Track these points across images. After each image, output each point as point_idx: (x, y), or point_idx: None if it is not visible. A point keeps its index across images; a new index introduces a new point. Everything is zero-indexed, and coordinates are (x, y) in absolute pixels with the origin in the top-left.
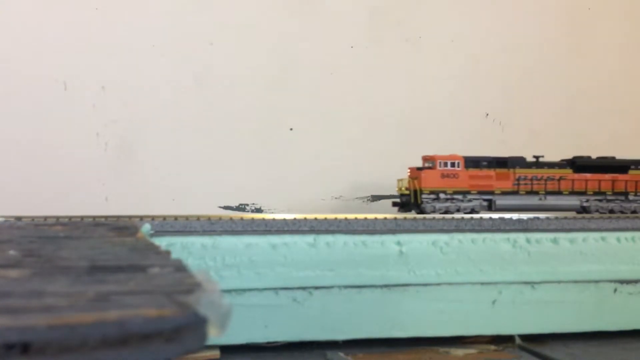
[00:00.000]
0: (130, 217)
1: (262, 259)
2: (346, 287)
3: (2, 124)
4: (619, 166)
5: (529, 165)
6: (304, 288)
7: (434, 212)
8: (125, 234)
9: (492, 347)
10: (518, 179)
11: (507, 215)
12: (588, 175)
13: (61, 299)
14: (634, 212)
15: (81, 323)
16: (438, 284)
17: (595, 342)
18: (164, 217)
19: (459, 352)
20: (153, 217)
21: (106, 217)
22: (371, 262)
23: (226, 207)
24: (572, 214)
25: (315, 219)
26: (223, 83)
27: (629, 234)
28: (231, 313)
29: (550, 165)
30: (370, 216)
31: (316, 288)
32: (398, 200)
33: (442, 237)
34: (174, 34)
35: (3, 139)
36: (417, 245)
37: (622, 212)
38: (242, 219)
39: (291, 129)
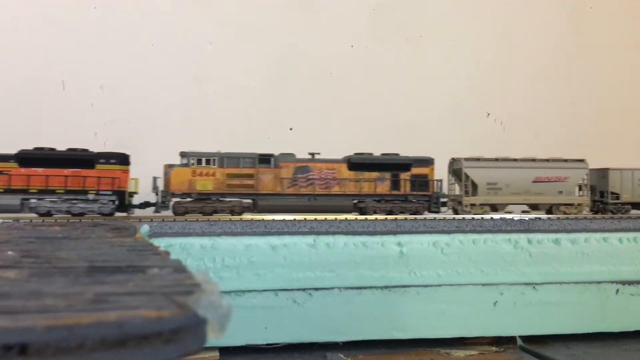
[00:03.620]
0: (129, 217)
1: (262, 260)
2: (346, 288)
3: (2, 124)
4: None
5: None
6: (303, 289)
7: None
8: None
9: (494, 348)
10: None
11: (508, 216)
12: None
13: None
14: (415, 212)
15: (79, 324)
16: (439, 285)
17: (597, 343)
18: (163, 218)
19: (460, 353)
20: (152, 218)
21: (105, 218)
22: (371, 263)
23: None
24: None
25: (315, 219)
26: (223, 83)
27: (631, 235)
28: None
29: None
30: (371, 217)
31: (316, 289)
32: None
33: (443, 238)
34: (173, 33)
35: (2, 139)
36: (417, 246)
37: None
38: (241, 219)
39: (291, 129)
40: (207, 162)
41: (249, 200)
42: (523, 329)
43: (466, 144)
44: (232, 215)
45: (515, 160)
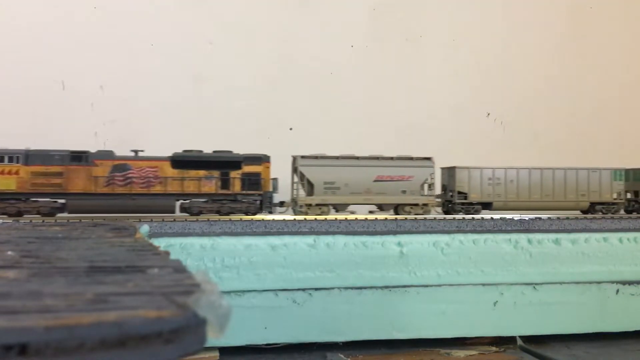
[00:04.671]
0: (128, 217)
1: (262, 260)
2: (346, 288)
3: (2, 124)
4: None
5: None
6: (303, 289)
7: None
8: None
9: (494, 348)
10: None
11: (508, 216)
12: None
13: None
14: (246, 212)
15: (79, 324)
16: (439, 285)
17: (597, 343)
18: (163, 218)
19: (460, 353)
20: (152, 218)
21: (105, 218)
22: (371, 263)
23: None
24: (575, 214)
25: (315, 219)
26: (223, 83)
27: (631, 235)
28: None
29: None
30: (371, 217)
31: (316, 289)
32: None
33: (443, 238)
34: (173, 33)
35: (2, 139)
36: (417, 246)
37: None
38: (241, 219)
39: (291, 129)
40: (10, 159)
41: (64, 201)
42: (523, 329)
43: (466, 144)
44: (42, 216)
45: (356, 158)
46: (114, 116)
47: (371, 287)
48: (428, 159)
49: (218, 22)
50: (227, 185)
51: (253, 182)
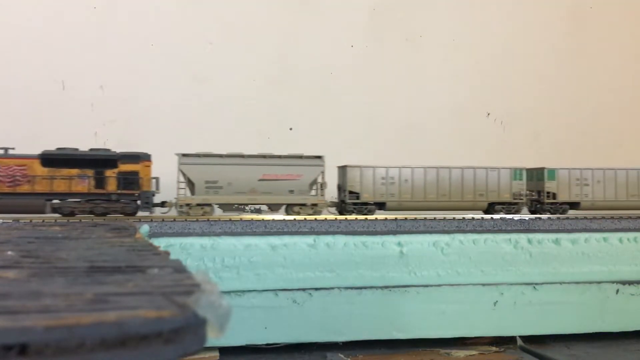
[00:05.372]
0: (128, 217)
1: (262, 260)
2: (346, 288)
3: (1, 124)
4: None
5: None
6: (303, 289)
7: None
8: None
9: (494, 348)
10: None
11: (508, 216)
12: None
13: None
14: (122, 213)
15: (79, 324)
16: (439, 285)
17: (597, 343)
18: (163, 218)
19: (460, 353)
20: (152, 218)
21: (105, 218)
22: (371, 263)
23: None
24: (576, 213)
25: (315, 219)
26: (223, 83)
27: (631, 235)
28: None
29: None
30: (371, 217)
31: (316, 289)
32: None
33: (443, 238)
34: (173, 33)
35: (2, 139)
36: (417, 246)
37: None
38: (241, 219)
39: (291, 129)
40: None
41: None
42: (523, 329)
43: (466, 144)
44: None
45: (241, 156)
46: (114, 116)
47: (371, 287)
48: (319, 157)
49: (218, 22)
50: (102, 185)
51: (130, 181)
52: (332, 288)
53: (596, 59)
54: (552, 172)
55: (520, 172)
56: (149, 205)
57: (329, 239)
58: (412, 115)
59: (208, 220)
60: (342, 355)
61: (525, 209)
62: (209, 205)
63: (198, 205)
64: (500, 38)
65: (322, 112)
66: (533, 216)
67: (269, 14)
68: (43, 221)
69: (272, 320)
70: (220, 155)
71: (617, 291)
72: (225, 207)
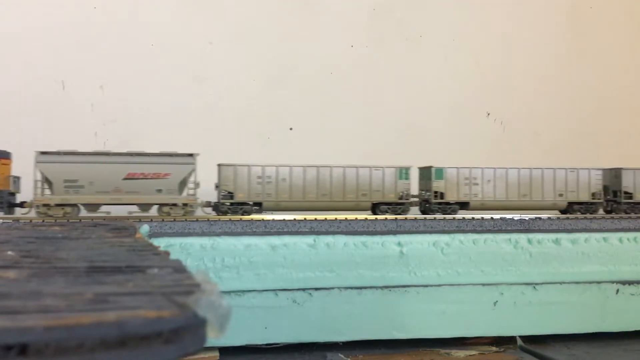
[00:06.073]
0: (128, 217)
1: (262, 260)
2: (346, 288)
3: (1, 124)
4: None
5: None
6: (303, 289)
7: None
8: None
9: (494, 348)
10: None
11: (508, 216)
12: None
13: (59, 300)
14: None
15: (79, 324)
16: (439, 285)
17: (597, 343)
18: (163, 218)
19: (460, 353)
20: (152, 218)
21: (105, 218)
22: (371, 263)
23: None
24: (575, 214)
25: (315, 219)
26: (223, 83)
27: (631, 235)
28: (230, 314)
29: None
30: (371, 217)
31: (316, 289)
32: None
33: (443, 238)
34: (174, 33)
35: (2, 139)
36: (417, 246)
37: None
38: (241, 219)
39: (291, 129)
40: None
41: None
42: (523, 329)
43: (466, 144)
44: None
45: (105, 154)
46: (114, 116)
47: (371, 287)
48: (190, 155)
49: (218, 22)
50: None
51: None
52: (332, 288)
53: (596, 59)
54: (440, 171)
55: (406, 171)
56: (2, 205)
57: (329, 239)
58: (412, 115)
59: (208, 220)
60: (342, 355)
61: (416, 209)
62: (73, 205)
63: (58, 205)
64: (500, 38)
65: (322, 112)
66: (533, 216)
67: (269, 14)
68: (43, 221)
69: (272, 320)
70: (82, 153)
71: (617, 291)
72: (89, 207)
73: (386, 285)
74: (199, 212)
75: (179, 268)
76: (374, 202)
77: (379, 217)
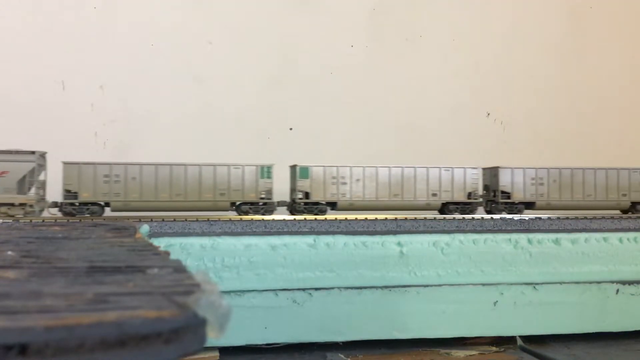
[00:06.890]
0: (128, 217)
1: (262, 260)
2: (346, 288)
3: (1, 124)
4: None
5: None
6: (303, 289)
7: None
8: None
9: (494, 348)
10: None
11: (508, 216)
12: None
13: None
14: None
15: (79, 324)
16: (439, 285)
17: (597, 343)
18: (163, 218)
19: (460, 353)
20: (152, 218)
21: (105, 218)
22: (371, 263)
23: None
24: (574, 213)
25: (315, 219)
26: (223, 83)
27: (631, 235)
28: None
29: None
30: (371, 217)
31: (316, 289)
32: None
33: (443, 238)
34: (173, 33)
35: (2, 139)
36: (417, 246)
37: None
38: (241, 219)
39: (291, 129)
40: None
41: None
42: (523, 329)
43: (466, 144)
44: None
45: None
46: (114, 116)
47: (371, 287)
48: (31, 152)
49: (218, 22)
50: None
51: None
52: (332, 288)
53: (596, 59)
54: (305, 170)
55: (268, 169)
56: None
57: (329, 239)
58: (412, 115)
59: (208, 220)
60: (342, 355)
61: (283, 210)
62: None
63: None
64: (500, 38)
65: (322, 112)
66: (533, 216)
67: (269, 14)
68: (43, 221)
69: (272, 320)
70: None
71: (617, 291)
72: None
73: (386, 285)
74: (45, 214)
75: (179, 268)
76: (233, 202)
77: (379, 217)
